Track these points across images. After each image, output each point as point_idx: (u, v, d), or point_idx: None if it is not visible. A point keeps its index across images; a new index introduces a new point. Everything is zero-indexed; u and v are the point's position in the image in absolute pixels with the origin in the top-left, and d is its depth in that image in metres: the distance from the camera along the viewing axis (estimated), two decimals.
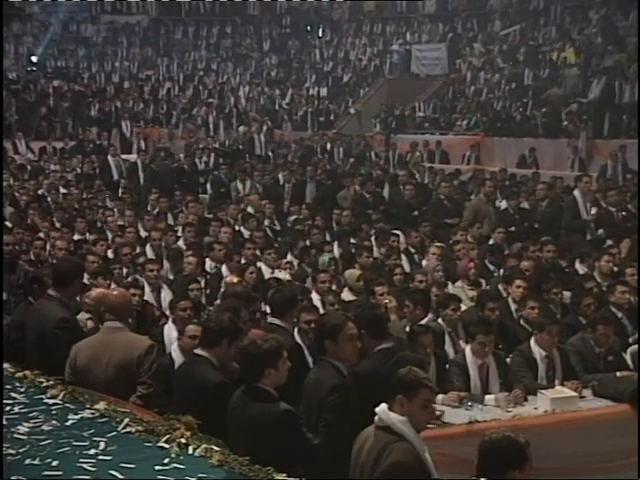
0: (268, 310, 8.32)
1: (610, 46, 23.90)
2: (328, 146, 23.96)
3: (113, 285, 8.74)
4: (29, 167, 20.33)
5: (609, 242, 11.86)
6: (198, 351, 5.65)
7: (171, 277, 10.11)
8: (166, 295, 9.21)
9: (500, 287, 9.52)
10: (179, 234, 12.03)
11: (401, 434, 4.47)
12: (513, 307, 8.89)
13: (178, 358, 6.37)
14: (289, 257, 10.86)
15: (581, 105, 21.90)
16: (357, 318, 6.11)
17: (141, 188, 18.17)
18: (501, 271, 10.37)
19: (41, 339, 6.27)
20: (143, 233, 12.35)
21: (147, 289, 9.10)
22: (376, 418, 4.58)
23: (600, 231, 12.53)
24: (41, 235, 11.51)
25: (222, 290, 8.70)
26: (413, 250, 11.62)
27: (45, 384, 5.47)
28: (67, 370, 5.86)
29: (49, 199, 15.81)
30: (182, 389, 5.62)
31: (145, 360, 5.80)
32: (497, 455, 4.25)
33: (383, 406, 4.57)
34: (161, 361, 6.20)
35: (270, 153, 23.39)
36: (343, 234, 12.43)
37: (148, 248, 11.15)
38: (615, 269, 10.03)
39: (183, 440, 4.50)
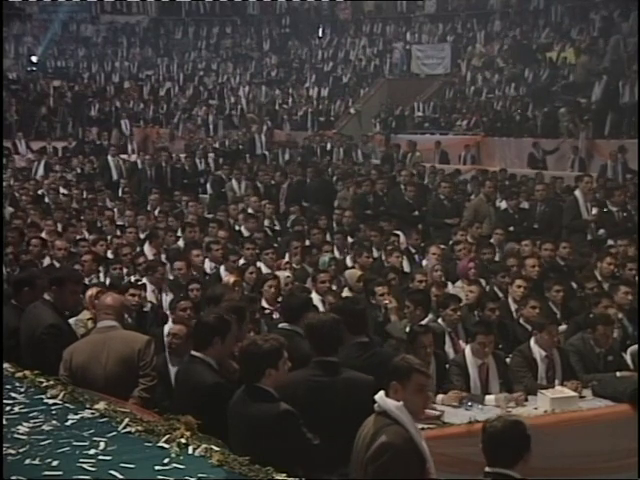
0: (265, 304, 8.42)
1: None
2: (328, 146, 24.00)
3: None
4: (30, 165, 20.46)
5: (610, 242, 11.86)
6: (194, 352, 5.65)
7: (171, 277, 10.11)
8: (167, 295, 9.22)
9: (495, 288, 9.55)
10: (179, 234, 12.05)
11: (396, 419, 4.52)
12: (513, 307, 8.89)
13: (168, 357, 6.62)
14: (287, 257, 10.85)
15: (580, 104, 21.93)
16: (337, 310, 6.09)
17: (141, 188, 18.17)
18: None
19: (31, 343, 6.26)
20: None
21: (149, 289, 9.11)
22: (375, 405, 4.63)
23: (601, 231, 12.53)
24: (39, 235, 11.47)
25: None
26: (413, 250, 11.61)
27: (45, 384, 5.47)
28: (62, 373, 5.83)
29: (47, 199, 15.79)
30: (181, 390, 5.62)
31: (145, 353, 5.84)
32: (511, 442, 4.29)
33: (381, 393, 4.63)
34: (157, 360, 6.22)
35: (266, 152, 23.42)
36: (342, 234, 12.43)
37: (146, 248, 11.14)
38: (615, 270, 10.04)
39: (183, 440, 4.50)
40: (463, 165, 21.58)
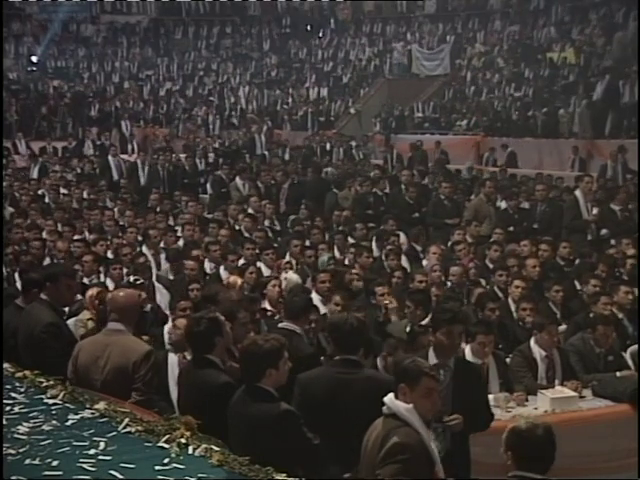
0: (268, 307, 8.41)
1: (610, 46, 23.91)
2: (328, 146, 24.01)
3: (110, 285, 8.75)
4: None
5: (611, 242, 11.88)
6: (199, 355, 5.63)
7: (171, 277, 10.11)
8: (162, 296, 9.20)
9: (495, 288, 9.55)
10: (179, 234, 12.05)
11: (406, 421, 4.50)
12: (513, 307, 8.89)
13: (170, 357, 6.65)
14: (287, 257, 10.85)
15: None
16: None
17: (141, 188, 18.18)
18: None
19: (30, 342, 6.24)
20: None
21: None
22: (384, 407, 4.62)
23: (604, 231, 12.53)
24: (39, 235, 11.46)
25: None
26: (419, 248, 11.57)
27: (45, 384, 5.45)
28: (69, 367, 5.82)
29: (47, 199, 15.78)
30: (188, 391, 5.58)
31: (141, 366, 5.69)
32: (546, 449, 4.29)
33: (390, 395, 4.62)
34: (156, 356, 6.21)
35: (266, 152, 23.42)
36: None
37: (145, 248, 11.14)
38: (616, 270, 10.04)
39: (183, 440, 4.48)
40: (486, 167, 21.57)
